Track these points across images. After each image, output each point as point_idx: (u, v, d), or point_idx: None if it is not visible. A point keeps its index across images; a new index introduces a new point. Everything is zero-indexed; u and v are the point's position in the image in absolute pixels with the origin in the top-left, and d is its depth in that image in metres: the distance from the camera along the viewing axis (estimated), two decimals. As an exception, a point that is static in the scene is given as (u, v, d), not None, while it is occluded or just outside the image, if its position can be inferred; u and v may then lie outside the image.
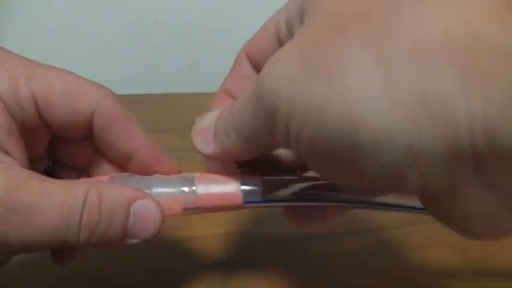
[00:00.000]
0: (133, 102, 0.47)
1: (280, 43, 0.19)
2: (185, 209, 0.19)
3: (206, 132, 0.19)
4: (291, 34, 0.18)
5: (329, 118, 0.13)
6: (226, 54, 0.56)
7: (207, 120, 0.19)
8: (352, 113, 0.12)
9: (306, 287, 0.24)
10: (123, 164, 0.21)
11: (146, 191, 0.18)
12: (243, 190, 0.19)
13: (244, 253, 0.26)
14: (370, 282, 0.24)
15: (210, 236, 0.27)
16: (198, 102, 0.49)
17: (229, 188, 0.19)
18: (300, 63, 0.14)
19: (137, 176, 0.20)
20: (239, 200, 0.19)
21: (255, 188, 0.19)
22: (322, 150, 0.14)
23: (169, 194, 0.19)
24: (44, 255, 0.20)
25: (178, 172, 0.21)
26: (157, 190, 0.19)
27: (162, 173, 0.20)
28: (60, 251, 0.20)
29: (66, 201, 0.16)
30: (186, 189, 0.19)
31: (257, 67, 0.21)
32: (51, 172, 0.21)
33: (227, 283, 0.23)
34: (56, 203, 0.16)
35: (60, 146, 0.21)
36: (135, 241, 0.18)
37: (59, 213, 0.16)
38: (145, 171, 0.20)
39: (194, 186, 0.19)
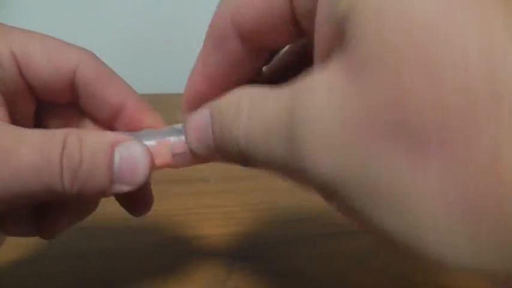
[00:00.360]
0: (134, 102, 0.48)
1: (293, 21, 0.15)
2: (174, 154, 0.18)
3: (201, 131, 0.17)
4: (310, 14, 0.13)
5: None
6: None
7: (203, 117, 0.17)
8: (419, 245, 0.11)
9: (306, 286, 0.24)
10: (111, 125, 0.20)
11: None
12: None
13: (245, 253, 0.26)
14: (369, 282, 0.24)
15: (213, 235, 0.27)
16: (198, 102, 0.49)
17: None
18: (346, 147, 0.11)
19: (126, 132, 0.19)
20: None
21: None
22: (366, 223, 0.12)
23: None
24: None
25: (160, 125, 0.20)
26: (147, 142, 0.18)
27: (150, 127, 0.20)
28: (46, 218, 0.19)
29: (45, 140, 0.16)
30: (175, 138, 0.18)
31: (248, 42, 0.16)
32: None
33: (227, 283, 0.24)
34: (34, 143, 0.15)
35: (46, 114, 0.20)
36: (126, 188, 0.17)
37: (38, 150, 0.15)
38: (134, 127, 0.20)
39: (183, 135, 0.18)
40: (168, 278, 0.24)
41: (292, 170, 0.13)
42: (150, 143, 0.18)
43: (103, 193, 0.17)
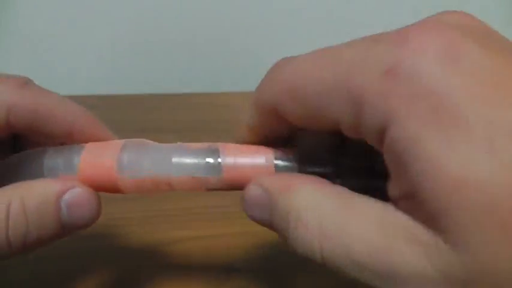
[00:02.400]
0: (133, 102, 0.48)
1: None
2: (208, 189, 0.18)
3: (258, 209, 0.17)
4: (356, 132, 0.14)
5: None
6: (226, 54, 0.56)
7: (260, 197, 0.17)
8: None
9: (306, 287, 0.24)
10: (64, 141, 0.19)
11: (165, 161, 0.17)
12: (276, 164, 0.17)
13: (245, 253, 0.26)
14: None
15: (213, 235, 0.27)
16: (197, 102, 0.49)
17: (260, 160, 0.17)
18: None
19: (153, 144, 0.18)
20: (271, 173, 0.17)
21: (289, 163, 0.17)
22: None
23: (190, 167, 0.17)
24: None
25: (110, 138, 0.19)
26: (178, 160, 0.17)
27: (98, 139, 0.19)
28: None
29: None
30: (210, 160, 0.17)
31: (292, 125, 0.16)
32: None
33: (227, 283, 0.23)
34: None
35: None
36: (81, 228, 0.17)
37: None
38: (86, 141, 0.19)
39: (219, 157, 0.17)
40: (167, 278, 0.24)
41: None
42: (181, 161, 0.17)
43: (58, 238, 0.17)
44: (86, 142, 0.18)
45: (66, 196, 0.17)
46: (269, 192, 0.16)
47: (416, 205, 0.13)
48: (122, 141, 0.18)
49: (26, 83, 0.18)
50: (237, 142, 0.18)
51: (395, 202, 0.14)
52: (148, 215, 0.28)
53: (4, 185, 0.17)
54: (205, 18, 0.51)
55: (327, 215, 0.14)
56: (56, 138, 0.18)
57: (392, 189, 0.14)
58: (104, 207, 0.21)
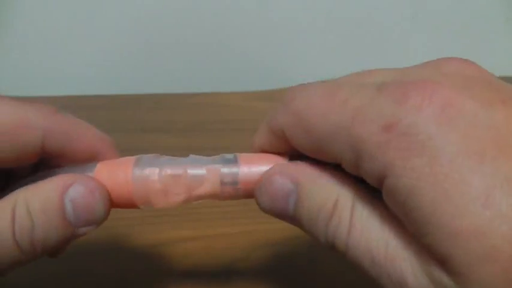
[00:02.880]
0: (134, 102, 0.48)
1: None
2: (223, 185, 0.18)
3: (278, 199, 0.17)
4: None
5: None
6: (226, 54, 0.56)
7: (284, 187, 0.17)
8: None
9: (307, 287, 0.24)
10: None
11: (179, 173, 0.17)
12: None
13: (245, 253, 0.26)
14: (367, 282, 0.24)
15: (213, 235, 0.27)
16: (198, 102, 0.49)
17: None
18: None
19: (166, 157, 0.18)
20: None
21: None
22: None
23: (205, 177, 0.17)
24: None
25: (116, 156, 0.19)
26: (193, 172, 0.17)
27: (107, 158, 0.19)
28: None
29: None
30: (226, 170, 0.17)
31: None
32: None
33: (227, 283, 0.23)
34: None
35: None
36: (91, 227, 0.17)
37: None
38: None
39: (234, 168, 0.17)
40: (167, 278, 0.24)
41: None
42: (199, 171, 0.17)
43: (70, 240, 0.17)
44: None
45: (70, 192, 0.16)
46: (297, 180, 0.16)
47: (424, 246, 0.13)
48: (135, 156, 0.18)
49: (57, 111, 0.18)
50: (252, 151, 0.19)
51: None
52: (149, 215, 0.28)
53: None
54: (205, 19, 0.51)
55: (358, 207, 0.15)
56: (77, 162, 0.19)
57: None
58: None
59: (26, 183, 0.18)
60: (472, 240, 0.12)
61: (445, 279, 0.13)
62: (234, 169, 0.17)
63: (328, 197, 0.16)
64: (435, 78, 0.14)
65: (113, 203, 0.17)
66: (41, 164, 0.19)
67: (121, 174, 0.17)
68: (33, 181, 0.17)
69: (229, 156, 0.18)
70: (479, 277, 0.12)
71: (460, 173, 0.12)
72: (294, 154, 0.17)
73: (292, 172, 0.17)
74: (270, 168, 0.17)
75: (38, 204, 0.16)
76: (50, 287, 0.23)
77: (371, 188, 0.15)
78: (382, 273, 0.14)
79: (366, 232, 0.15)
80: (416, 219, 0.13)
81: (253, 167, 0.17)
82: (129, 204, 0.18)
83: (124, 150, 0.19)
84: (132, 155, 0.18)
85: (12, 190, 0.17)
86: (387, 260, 0.14)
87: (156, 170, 0.17)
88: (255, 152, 0.19)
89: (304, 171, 0.16)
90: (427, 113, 0.13)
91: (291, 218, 0.17)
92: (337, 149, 0.15)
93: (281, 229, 0.27)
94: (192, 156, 0.18)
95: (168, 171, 0.17)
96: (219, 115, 0.44)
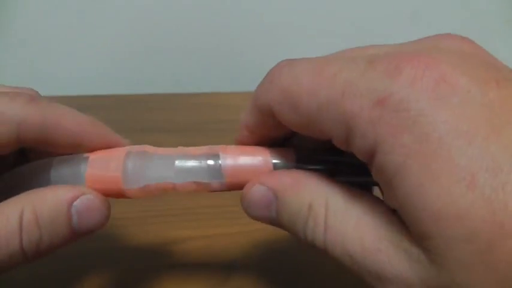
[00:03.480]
0: (134, 102, 0.48)
1: None
2: (211, 191, 0.18)
3: (262, 208, 0.17)
4: None
5: None
6: (226, 54, 0.56)
7: (264, 195, 0.17)
8: None
9: (307, 286, 0.24)
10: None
11: (168, 168, 0.18)
12: (274, 164, 0.18)
13: (245, 253, 0.26)
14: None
15: (213, 235, 0.27)
16: (198, 102, 0.49)
17: (258, 161, 0.18)
18: None
19: (154, 150, 0.19)
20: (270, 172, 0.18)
21: (286, 162, 0.18)
22: None
23: (192, 172, 0.18)
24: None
25: (119, 142, 0.19)
26: (180, 166, 0.18)
27: (108, 146, 0.19)
28: None
29: (0, 231, 0.16)
30: (211, 163, 0.18)
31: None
32: None
33: (227, 283, 0.23)
34: None
35: None
36: (92, 231, 0.18)
37: None
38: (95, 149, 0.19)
39: (220, 160, 0.18)
40: (167, 277, 0.24)
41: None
42: (183, 164, 0.18)
43: (70, 243, 0.18)
44: (95, 149, 0.19)
45: (77, 202, 0.17)
46: (275, 190, 0.17)
47: (405, 221, 0.14)
48: (125, 149, 0.19)
49: (33, 98, 0.18)
50: (236, 143, 0.19)
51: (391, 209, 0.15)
52: (148, 215, 0.28)
53: (10, 196, 0.17)
54: (205, 19, 0.51)
55: (332, 208, 0.16)
56: (64, 149, 0.19)
57: (386, 200, 0.14)
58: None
59: (15, 177, 0.18)
60: (453, 221, 0.12)
61: (421, 256, 0.13)
62: (218, 164, 0.18)
63: (303, 202, 0.16)
64: (430, 53, 0.14)
65: (106, 195, 0.18)
66: (27, 149, 0.19)
67: (112, 177, 0.18)
68: (23, 176, 0.18)
69: (216, 148, 0.19)
70: (456, 258, 0.12)
71: (449, 152, 0.12)
72: (278, 143, 0.18)
73: (271, 183, 0.17)
74: (250, 181, 0.17)
75: (46, 213, 0.17)
76: (50, 286, 0.23)
77: (350, 185, 0.16)
78: (362, 269, 0.15)
79: (342, 232, 0.15)
80: (402, 197, 0.13)
81: (238, 160, 0.18)
82: (121, 197, 0.18)
83: (124, 150, 0.19)
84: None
85: (4, 179, 0.18)
86: (364, 256, 0.14)
87: (148, 177, 0.18)
88: (242, 130, 0.19)
89: (281, 181, 0.17)
90: (420, 87, 0.13)
91: (276, 223, 0.17)
92: (326, 125, 0.15)
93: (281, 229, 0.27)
94: (180, 148, 0.19)
95: (156, 182, 0.18)
96: (219, 115, 0.44)
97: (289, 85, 0.15)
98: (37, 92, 0.19)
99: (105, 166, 0.18)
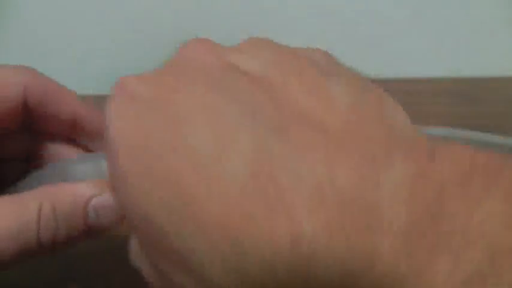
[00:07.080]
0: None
1: None
2: None
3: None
4: None
5: None
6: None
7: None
8: None
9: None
10: (67, 139, 0.21)
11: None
12: None
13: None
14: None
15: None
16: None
17: None
18: None
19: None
20: None
21: None
22: None
23: None
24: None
25: None
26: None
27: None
28: None
29: (20, 219, 0.16)
30: None
31: None
32: None
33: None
34: (7, 214, 0.16)
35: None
36: (106, 229, 0.18)
37: (14, 223, 0.16)
38: (93, 135, 0.21)
39: None
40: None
41: None
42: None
43: (86, 239, 0.18)
44: (91, 130, 0.20)
45: (94, 201, 0.18)
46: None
47: None
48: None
49: (35, 70, 0.20)
50: None
51: None
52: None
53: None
54: (205, 18, 0.51)
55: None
56: (62, 123, 0.20)
57: None
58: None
59: (36, 178, 0.19)
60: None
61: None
62: None
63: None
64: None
65: None
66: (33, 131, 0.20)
67: None
68: (43, 177, 0.19)
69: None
70: None
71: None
72: None
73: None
74: None
75: (64, 208, 0.17)
76: (51, 287, 0.23)
77: None
78: None
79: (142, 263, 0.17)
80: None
81: None
82: None
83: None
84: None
85: (29, 182, 0.19)
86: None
87: None
88: None
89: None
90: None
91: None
92: None
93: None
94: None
95: None
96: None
97: (118, 153, 0.15)
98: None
99: None
